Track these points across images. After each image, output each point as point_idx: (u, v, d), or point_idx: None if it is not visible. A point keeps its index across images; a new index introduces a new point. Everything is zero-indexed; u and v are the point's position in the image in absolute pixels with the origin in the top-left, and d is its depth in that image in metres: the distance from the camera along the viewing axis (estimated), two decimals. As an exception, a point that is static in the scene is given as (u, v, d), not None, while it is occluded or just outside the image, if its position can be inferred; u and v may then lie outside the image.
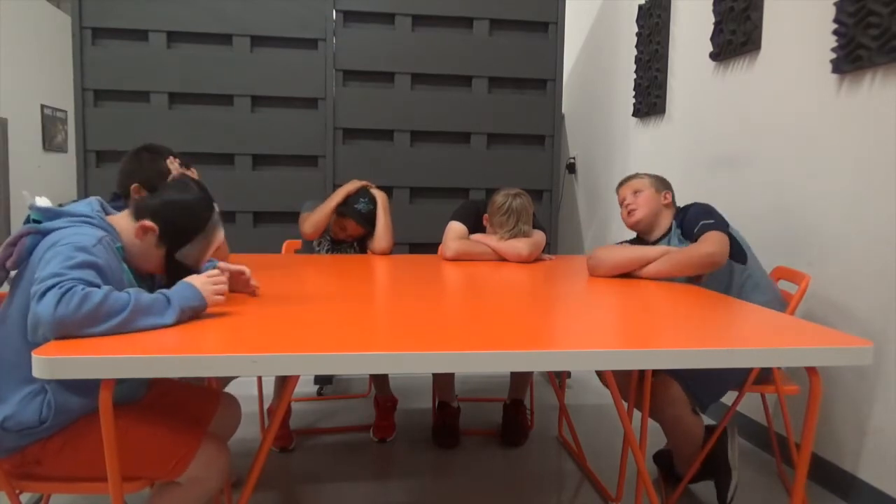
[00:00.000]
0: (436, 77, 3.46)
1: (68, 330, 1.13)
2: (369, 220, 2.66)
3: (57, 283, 1.14)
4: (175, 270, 1.43)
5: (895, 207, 1.98)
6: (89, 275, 1.21)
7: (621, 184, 2.30)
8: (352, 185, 2.69)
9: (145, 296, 1.25)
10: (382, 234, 2.68)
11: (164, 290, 1.30)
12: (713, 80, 2.94)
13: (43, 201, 1.39)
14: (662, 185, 2.24)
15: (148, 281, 1.50)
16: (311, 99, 3.38)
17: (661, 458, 2.26)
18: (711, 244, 1.96)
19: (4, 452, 1.31)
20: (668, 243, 2.15)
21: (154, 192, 1.44)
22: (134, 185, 1.75)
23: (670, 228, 2.19)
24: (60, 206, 1.42)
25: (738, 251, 2.05)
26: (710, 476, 2.06)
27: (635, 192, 2.22)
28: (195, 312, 1.32)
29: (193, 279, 1.35)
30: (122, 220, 1.44)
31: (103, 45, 3.22)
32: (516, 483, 2.27)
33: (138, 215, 1.42)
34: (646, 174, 2.28)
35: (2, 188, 6.01)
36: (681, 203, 2.27)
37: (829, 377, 2.24)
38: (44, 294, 1.13)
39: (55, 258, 1.20)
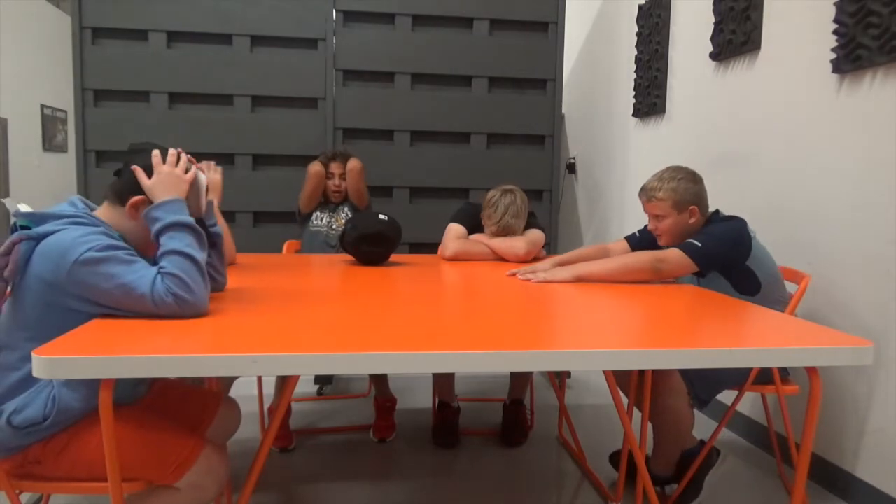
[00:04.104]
0: (436, 77, 3.47)
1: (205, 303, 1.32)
2: (344, 155, 2.89)
3: (164, 273, 1.27)
4: None
5: (895, 207, 1.98)
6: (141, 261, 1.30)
7: (644, 195, 2.13)
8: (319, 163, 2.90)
9: (186, 234, 1.35)
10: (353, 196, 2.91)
11: (172, 220, 1.35)
12: (713, 80, 2.94)
13: (25, 207, 1.38)
14: (684, 202, 2.05)
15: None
16: (311, 99, 3.38)
17: (618, 459, 2.25)
18: (663, 255, 1.94)
19: (7, 452, 1.31)
20: None
21: (120, 174, 1.41)
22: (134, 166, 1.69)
23: None
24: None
25: (750, 284, 1.96)
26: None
27: (657, 217, 2.10)
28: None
29: (166, 187, 1.38)
30: (106, 212, 1.40)
31: (103, 45, 3.22)
32: (516, 483, 2.27)
33: (121, 198, 1.39)
34: (665, 190, 2.06)
35: (2, 188, 6.01)
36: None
37: (829, 377, 2.24)
38: (153, 285, 1.24)
39: (104, 267, 1.24)
